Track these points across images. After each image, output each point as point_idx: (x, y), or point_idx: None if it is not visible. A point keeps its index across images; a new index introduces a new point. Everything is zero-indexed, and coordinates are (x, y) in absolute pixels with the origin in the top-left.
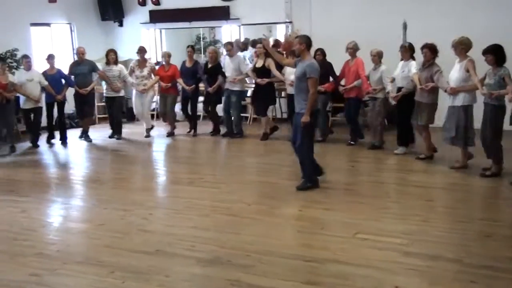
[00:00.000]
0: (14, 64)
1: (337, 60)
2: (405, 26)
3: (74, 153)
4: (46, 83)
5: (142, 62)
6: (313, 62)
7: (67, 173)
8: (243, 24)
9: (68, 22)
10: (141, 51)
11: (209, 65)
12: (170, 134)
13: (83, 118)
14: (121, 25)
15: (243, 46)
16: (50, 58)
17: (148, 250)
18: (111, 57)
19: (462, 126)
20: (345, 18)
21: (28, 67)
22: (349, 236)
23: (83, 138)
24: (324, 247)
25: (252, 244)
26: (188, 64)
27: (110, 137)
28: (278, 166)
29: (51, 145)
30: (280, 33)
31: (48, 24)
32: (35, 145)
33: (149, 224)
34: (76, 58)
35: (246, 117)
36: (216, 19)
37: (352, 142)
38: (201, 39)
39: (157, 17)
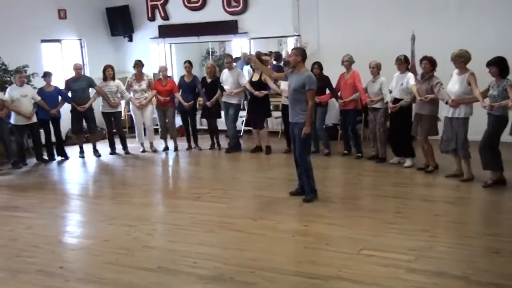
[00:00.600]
0: (25, 80)
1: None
2: (413, 38)
3: (77, 169)
4: (39, 98)
5: (138, 76)
6: (312, 74)
7: (72, 189)
8: (252, 38)
9: (78, 38)
10: (137, 65)
11: (208, 80)
12: (172, 148)
13: (90, 134)
14: (130, 40)
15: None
16: (47, 75)
17: (150, 267)
18: (109, 72)
19: (462, 138)
20: (353, 31)
21: (21, 83)
22: (354, 252)
23: (81, 154)
24: (328, 263)
25: (256, 260)
26: (186, 79)
27: (111, 153)
28: (284, 180)
29: (50, 162)
30: (290, 47)
31: (58, 40)
32: (41, 160)
33: (153, 240)
34: (74, 74)
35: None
36: (224, 33)
37: (359, 155)
38: (210, 53)
39: (166, 32)
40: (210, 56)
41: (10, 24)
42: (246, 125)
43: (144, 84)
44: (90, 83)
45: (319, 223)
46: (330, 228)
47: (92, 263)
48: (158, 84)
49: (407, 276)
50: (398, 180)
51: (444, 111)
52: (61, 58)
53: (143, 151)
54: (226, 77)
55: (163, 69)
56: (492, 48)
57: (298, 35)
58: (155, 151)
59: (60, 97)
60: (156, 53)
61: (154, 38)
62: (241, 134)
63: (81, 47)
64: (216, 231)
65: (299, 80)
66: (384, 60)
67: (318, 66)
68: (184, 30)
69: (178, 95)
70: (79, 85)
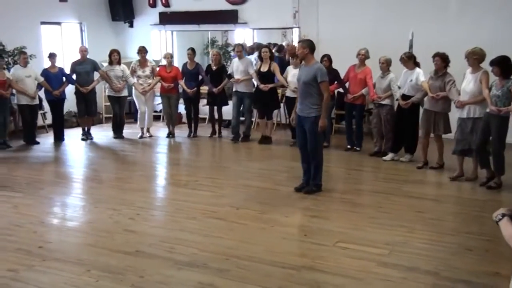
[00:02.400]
0: (28, 61)
1: (343, 66)
2: (412, 35)
3: (74, 151)
4: (42, 79)
5: (143, 62)
6: (322, 66)
7: (65, 171)
8: (253, 28)
9: (78, 22)
10: (141, 51)
11: (213, 67)
12: (172, 135)
13: (87, 116)
14: (131, 26)
15: (250, 50)
16: (52, 56)
17: (128, 250)
18: (114, 57)
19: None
20: (352, 24)
21: (25, 64)
22: (330, 244)
23: (84, 137)
24: (304, 254)
25: (233, 248)
26: (189, 66)
27: (115, 137)
28: (275, 171)
29: (58, 143)
30: (290, 39)
31: (58, 23)
32: (33, 143)
33: (135, 224)
34: (80, 56)
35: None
36: (224, 22)
37: (357, 148)
38: (210, 42)
39: (166, 19)
40: (210, 45)
41: (10, 4)
42: None
43: (148, 70)
44: (95, 66)
45: (302, 215)
46: (312, 220)
47: (72, 244)
48: (163, 71)
49: (378, 270)
50: (390, 176)
51: (458, 112)
52: (60, 41)
53: (141, 136)
54: (237, 66)
55: (168, 56)
56: (496, 46)
57: (298, 27)
58: (150, 136)
59: (64, 78)
60: (156, 40)
61: (155, 24)
62: None
63: (81, 30)
64: (198, 218)
65: (310, 73)
66: (384, 55)
67: (327, 58)
68: (185, 18)
69: (182, 82)
70: (84, 68)
